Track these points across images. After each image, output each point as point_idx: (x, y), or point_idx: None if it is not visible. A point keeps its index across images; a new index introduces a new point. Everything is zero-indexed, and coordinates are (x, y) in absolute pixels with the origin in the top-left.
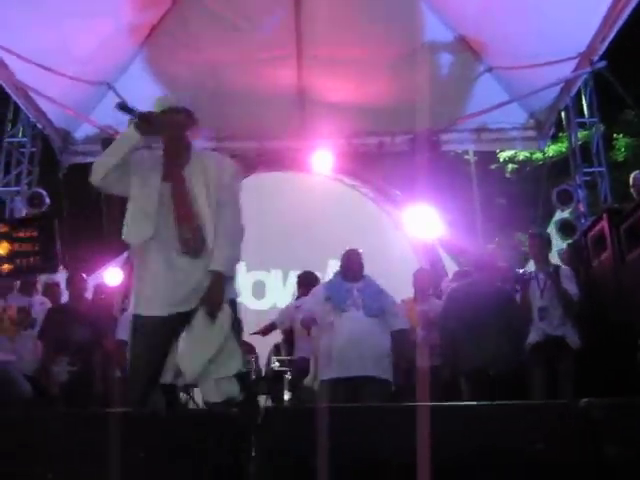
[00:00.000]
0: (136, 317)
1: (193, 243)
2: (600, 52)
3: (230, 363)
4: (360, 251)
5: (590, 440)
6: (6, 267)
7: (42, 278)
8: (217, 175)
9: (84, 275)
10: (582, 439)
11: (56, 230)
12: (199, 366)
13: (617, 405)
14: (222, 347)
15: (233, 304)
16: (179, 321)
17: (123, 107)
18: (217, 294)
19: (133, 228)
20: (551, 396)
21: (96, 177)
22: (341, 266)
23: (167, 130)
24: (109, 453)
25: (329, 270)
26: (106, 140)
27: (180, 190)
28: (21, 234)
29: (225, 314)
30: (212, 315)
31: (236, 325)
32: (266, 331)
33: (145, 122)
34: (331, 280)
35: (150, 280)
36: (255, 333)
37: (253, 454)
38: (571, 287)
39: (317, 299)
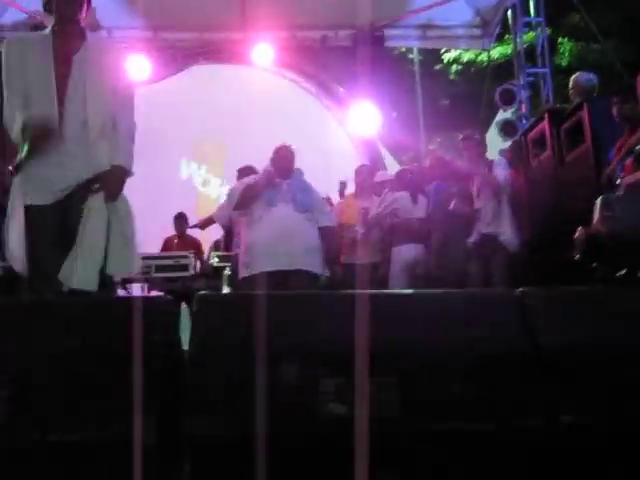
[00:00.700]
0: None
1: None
2: None
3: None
4: (292, 147)
5: (525, 329)
6: None
7: None
8: (112, 65)
9: None
10: (517, 328)
11: None
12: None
13: (551, 294)
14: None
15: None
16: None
17: None
18: (118, 186)
19: (12, 115)
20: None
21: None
22: (272, 162)
23: (61, 5)
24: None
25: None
26: (35, 27)
27: (61, 70)
28: None
29: (124, 206)
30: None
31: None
32: (204, 224)
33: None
34: (259, 175)
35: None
36: (193, 226)
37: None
38: (500, 173)
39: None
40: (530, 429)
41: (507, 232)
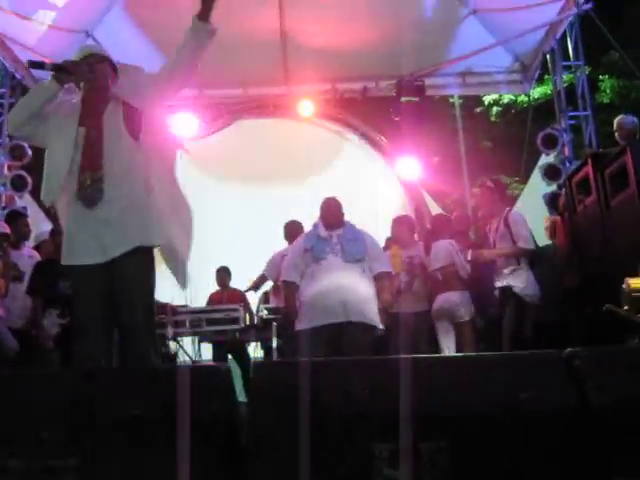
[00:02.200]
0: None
1: (91, 192)
2: None
3: None
4: (338, 199)
5: (574, 389)
6: None
7: (34, 232)
8: (145, 124)
9: None
10: (566, 388)
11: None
12: None
13: (599, 354)
14: None
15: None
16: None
17: (32, 64)
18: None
19: (47, 184)
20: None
21: (12, 126)
22: (320, 215)
23: (87, 77)
24: (101, 410)
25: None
26: None
27: (94, 134)
28: None
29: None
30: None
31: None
32: (258, 284)
33: (61, 72)
34: (310, 230)
35: (73, 231)
36: (248, 290)
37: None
38: (521, 231)
39: (297, 252)
40: None
41: (523, 286)
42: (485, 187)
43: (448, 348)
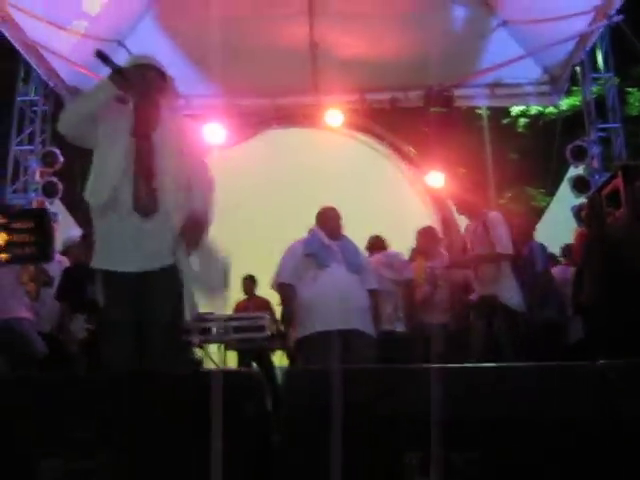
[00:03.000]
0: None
1: (146, 202)
2: (617, 6)
3: None
4: (336, 208)
5: (607, 401)
6: (3, 256)
7: (60, 237)
8: (187, 138)
9: None
10: (599, 400)
11: (50, 222)
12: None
13: (634, 366)
14: None
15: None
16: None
17: (101, 55)
18: (197, 233)
19: (96, 186)
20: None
21: (66, 125)
22: (320, 224)
23: (139, 87)
24: (127, 415)
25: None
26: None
27: (145, 146)
28: (18, 225)
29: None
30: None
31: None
32: None
33: (121, 75)
34: (310, 237)
35: (113, 237)
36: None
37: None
38: (499, 234)
39: (296, 256)
40: None
41: (507, 294)
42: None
43: None
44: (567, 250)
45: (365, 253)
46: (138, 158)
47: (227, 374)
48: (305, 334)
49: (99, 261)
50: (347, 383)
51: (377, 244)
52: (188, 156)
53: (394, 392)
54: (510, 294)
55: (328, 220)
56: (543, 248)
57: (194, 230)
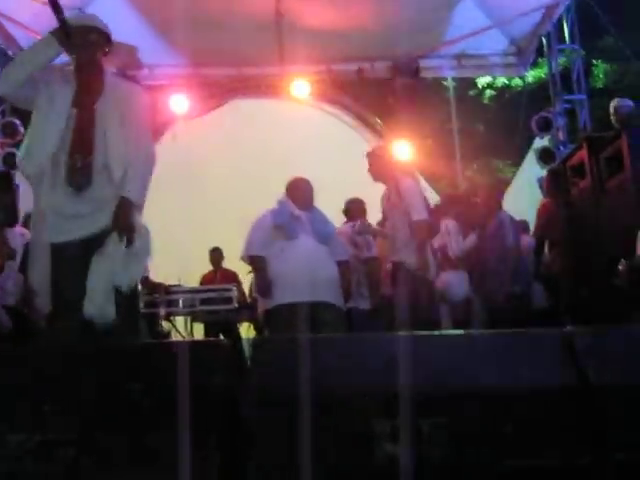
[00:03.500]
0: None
1: (80, 175)
2: None
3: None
4: (308, 179)
5: (573, 367)
6: None
7: (22, 209)
8: (131, 108)
9: None
10: (565, 366)
11: (15, 186)
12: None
13: (598, 332)
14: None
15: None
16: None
17: (55, 4)
18: (125, 218)
19: (32, 153)
20: None
21: (5, 85)
22: (289, 194)
23: (82, 48)
24: (94, 387)
25: None
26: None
27: (86, 118)
28: None
29: (144, 237)
30: (126, 239)
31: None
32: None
33: (65, 33)
34: (279, 208)
35: (49, 208)
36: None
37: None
38: (413, 201)
39: (265, 228)
40: (582, 468)
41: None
42: (375, 155)
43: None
44: None
45: (341, 218)
46: (77, 130)
47: (193, 344)
48: (273, 305)
49: (38, 233)
50: (314, 352)
51: (355, 208)
52: (129, 128)
53: (361, 360)
54: (412, 258)
55: (299, 190)
56: (512, 220)
57: (124, 219)
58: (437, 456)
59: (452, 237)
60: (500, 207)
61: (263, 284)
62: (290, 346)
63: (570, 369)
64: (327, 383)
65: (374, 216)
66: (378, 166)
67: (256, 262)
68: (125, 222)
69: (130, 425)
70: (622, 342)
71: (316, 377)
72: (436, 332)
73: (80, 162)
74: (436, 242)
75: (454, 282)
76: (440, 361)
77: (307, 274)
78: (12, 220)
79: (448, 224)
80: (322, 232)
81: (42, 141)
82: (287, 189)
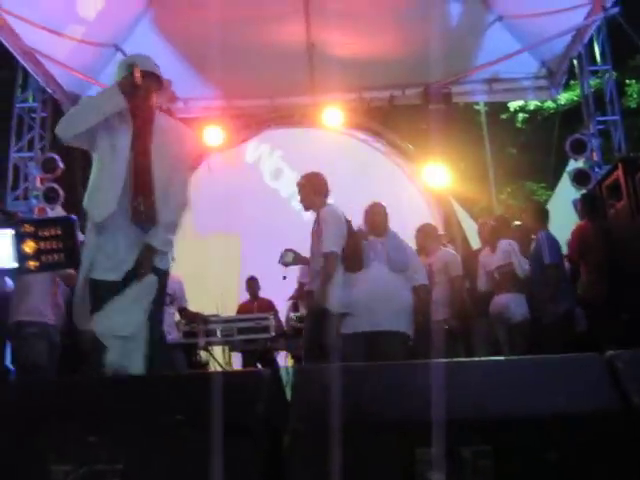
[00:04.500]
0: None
1: (145, 217)
2: None
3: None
4: (384, 205)
5: (616, 392)
6: (32, 264)
7: None
8: (177, 150)
9: None
10: (608, 391)
11: (76, 229)
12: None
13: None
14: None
15: (163, 275)
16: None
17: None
18: (147, 267)
19: (100, 198)
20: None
21: (67, 132)
22: (365, 220)
23: (143, 95)
24: (139, 417)
25: None
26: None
27: (144, 160)
28: (45, 233)
29: (148, 283)
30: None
31: (158, 295)
32: (299, 295)
33: (133, 84)
34: None
35: (106, 249)
36: (291, 299)
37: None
38: (325, 232)
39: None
40: None
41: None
42: (300, 183)
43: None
44: None
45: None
46: (136, 172)
47: (227, 375)
48: (343, 332)
49: (92, 271)
50: (354, 381)
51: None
52: (177, 173)
53: (401, 389)
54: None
55: (374, 216)
56: (551, 239)
57: (146, 266)
58: None
59: (518, 257)
60: (543, 227)
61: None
62: (331, 375)
63: (613, 393)
64: (368, 411)
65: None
66: (305, 194)
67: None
68: (147, 269)
69: (174, 457)
70: None
71: (355, 406)
72: (476, 359)
73: (143, 204)
74: (495, 262)
75: (512, 303)
76: (480, 387)
77: (378, 303)
78: (72, 263)
79: (512, 244)
80: (397, 259)
81: (110, 188)
82: (365, 215)
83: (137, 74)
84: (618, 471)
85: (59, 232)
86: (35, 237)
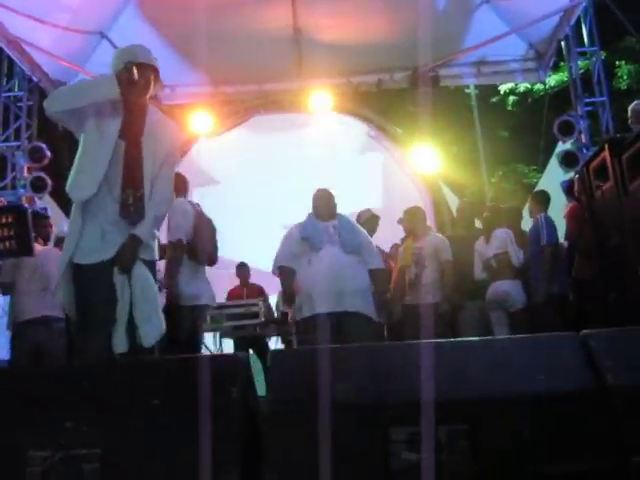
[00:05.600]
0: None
1: (134, 210)
2: None
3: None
4: (329, 190)
5: (590, 370)
6: None
7: (55, 231)
8: (165, 146)
9: None
10: (583, 369)
11: (29, 217)
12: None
13: (616, 335)
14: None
15: (151, 265)
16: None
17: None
18: (130, 257)
19: (80, 180)
20: None
21: (53, 106)
22: (314, 206)
23: (139, 88)
24: (122, 399)
25: None
26: None
27: (135, 153)
28: None
29: (140, 273)
30: (125, 271)
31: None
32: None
33: (131, 79)
34: (305, 221)
35: (89, 233)
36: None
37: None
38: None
39: (293, 240)
40: (601, 471)
41: None
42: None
43: None
44: None
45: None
46: (127, 164)
47: (213, 358)
48: (301, 317)
49: (75, 255)
50: (334, 362)
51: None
52: (166, 167)
53: (377, 369)
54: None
55: (320, 201)
56: (549, 221)
57: (130, 256)
58: (456, 463)
59: (514, 246)
60: (542, 210)
61: (286, 295)
62: (308, 357)
63: (588, 371)
64: (344, 392)
65: (389, 224)
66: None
67: (283, 273)
68: (130, 259)
69: (152, 440)
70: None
71: (334, 387)
72: (453, 339)
73: (132, 197)
74: (491, 250)
75: (513, 290)
76: (458, 367)
77: (332, 284)
78: (26, 251)
79: (508, 233)
80: (350, 241)
81: (92, 170)
82: (313, 201)
83: (134, 73)
84: (592, 449)
85: (11, 220)
86: None
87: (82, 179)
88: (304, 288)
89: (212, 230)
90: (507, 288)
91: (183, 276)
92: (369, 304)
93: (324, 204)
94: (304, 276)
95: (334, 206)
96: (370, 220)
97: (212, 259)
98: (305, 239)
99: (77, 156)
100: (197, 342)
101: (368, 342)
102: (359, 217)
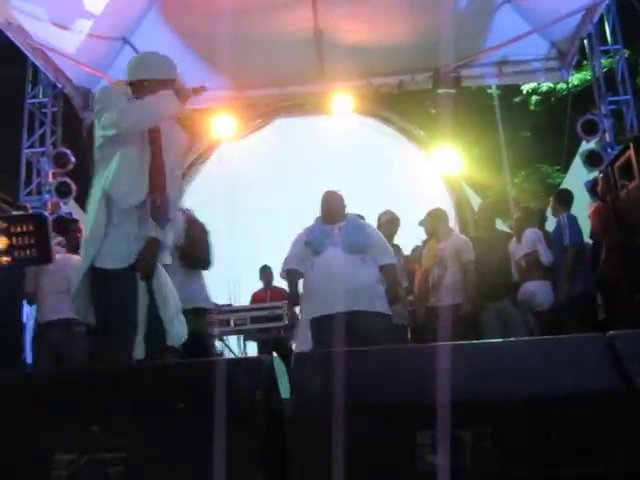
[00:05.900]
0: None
1: (162, 213)
2: None
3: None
4: (339, 191)
5: (616, 371)
6: (4, 259)
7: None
8: (174, 152)
9: None
10: (609, 371)
11: (49, 225)
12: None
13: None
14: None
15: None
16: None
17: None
18: (151, 261)
19: (130, 186)
20: None
21: (129, 125)
22: (321, 209)
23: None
24: (142, 406)
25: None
26: None
27: (160, 158)
28: (18, 229)
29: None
30: (146, 276)
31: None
32: None
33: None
34: (312, 225)
35: (123, 239)
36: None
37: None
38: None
39: (298, 244)
40: (629, 474)
41: None
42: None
43: None
44: None
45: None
46: (153, 167)
47: (229, 362)
48: (307, 319)
49: (97, 259)
50: (358, 364)
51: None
52: (172, 172)
53: (401, 372)
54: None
55: (327, 205)
56: (572, 220)
57: (151, 259)
58: (481, 465)
59: (544, 245)
60: (566, 210)
61: (290, 297)
62: (328, 359)
63: (614, 373)
64: (368, 395)
65: (410, 225)
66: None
67: (289, 275)
68: (151, 263)
69: (176, 443)
70: None
71: (355, 389)
72: (476, 341)
73: (159, 200)
74: (522, 250)
75: (540, 291)
76: (482, 370)
77: (332, 286)
78: (45, 259)
79: (537, 233)
80: (353, 241)
81: (140, 177)
82: (320, 204)
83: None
84: (619, 452)
85: (31, 228)
86: (7, 233)
87: (132, 185)
88: (305, 292)
89: (205, 234)
90: (533, 288)
91: (175, 281)
92: (374, 299)
93: (330, 207)
94: (307, 280)
95: (342, 208)
96: (390, 221)
97: (206, 263)
98: (308, 243)
99: (119, 162)
100: (201, 345)
101: (378, 337)
102: (379, 219)
